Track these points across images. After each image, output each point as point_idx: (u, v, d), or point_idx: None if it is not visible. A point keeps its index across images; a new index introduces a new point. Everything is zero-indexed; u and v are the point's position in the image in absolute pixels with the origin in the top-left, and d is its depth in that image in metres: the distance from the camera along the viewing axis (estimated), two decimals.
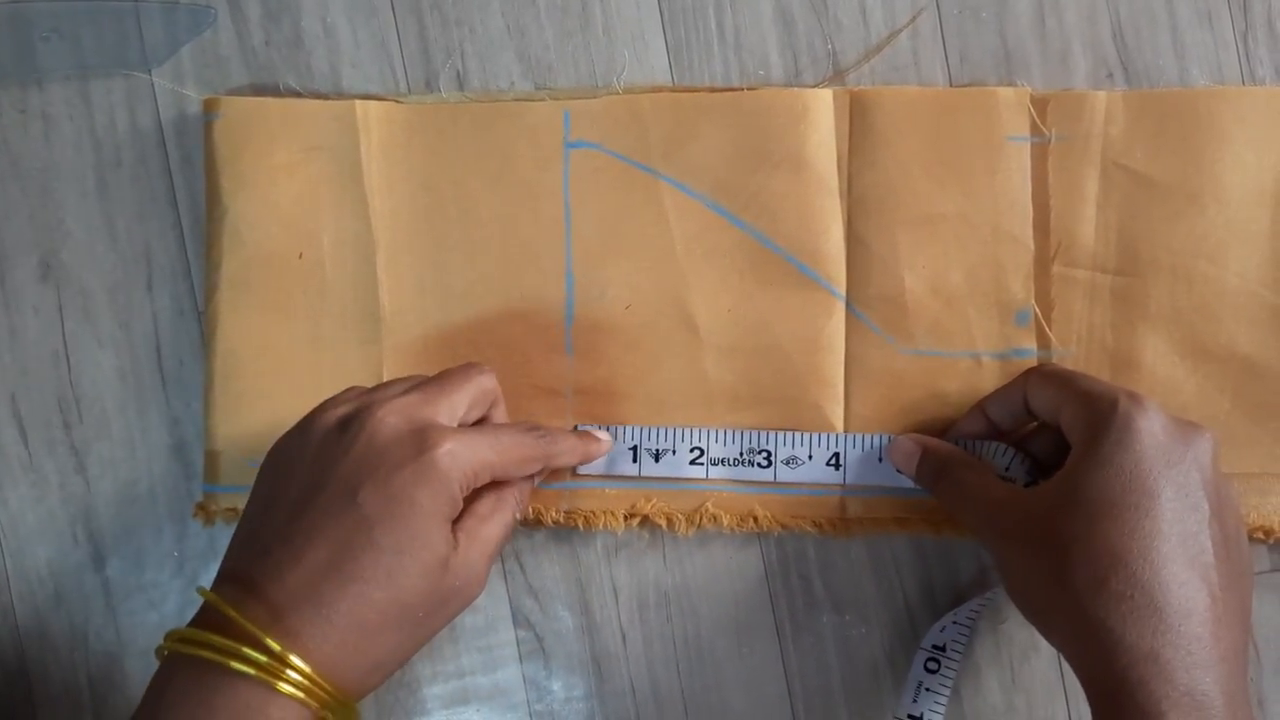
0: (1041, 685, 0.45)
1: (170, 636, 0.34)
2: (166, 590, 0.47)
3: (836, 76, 0.46)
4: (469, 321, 0.46)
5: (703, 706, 0.46)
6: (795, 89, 0.45)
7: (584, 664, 0.46)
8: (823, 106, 0.45)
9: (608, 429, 0.44)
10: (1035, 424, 0.42)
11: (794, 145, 0.44)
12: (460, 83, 0.47)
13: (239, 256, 0.45)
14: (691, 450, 0.44)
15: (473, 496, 0.38)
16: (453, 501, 0.35)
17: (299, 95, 0.46)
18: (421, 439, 0.35)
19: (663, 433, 0.44)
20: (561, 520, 0.45)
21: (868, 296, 0.44)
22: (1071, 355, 0.44)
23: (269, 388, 0.45)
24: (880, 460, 0.44)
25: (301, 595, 0.33)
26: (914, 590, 0.45)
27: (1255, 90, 0.45)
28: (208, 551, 0.47)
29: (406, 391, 0.37)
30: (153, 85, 0.47)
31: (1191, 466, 0.36)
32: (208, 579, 0.46)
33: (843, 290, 0.45)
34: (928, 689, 0.43)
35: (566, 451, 0.41)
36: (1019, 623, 0.45)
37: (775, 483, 0.44)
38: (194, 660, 0.33)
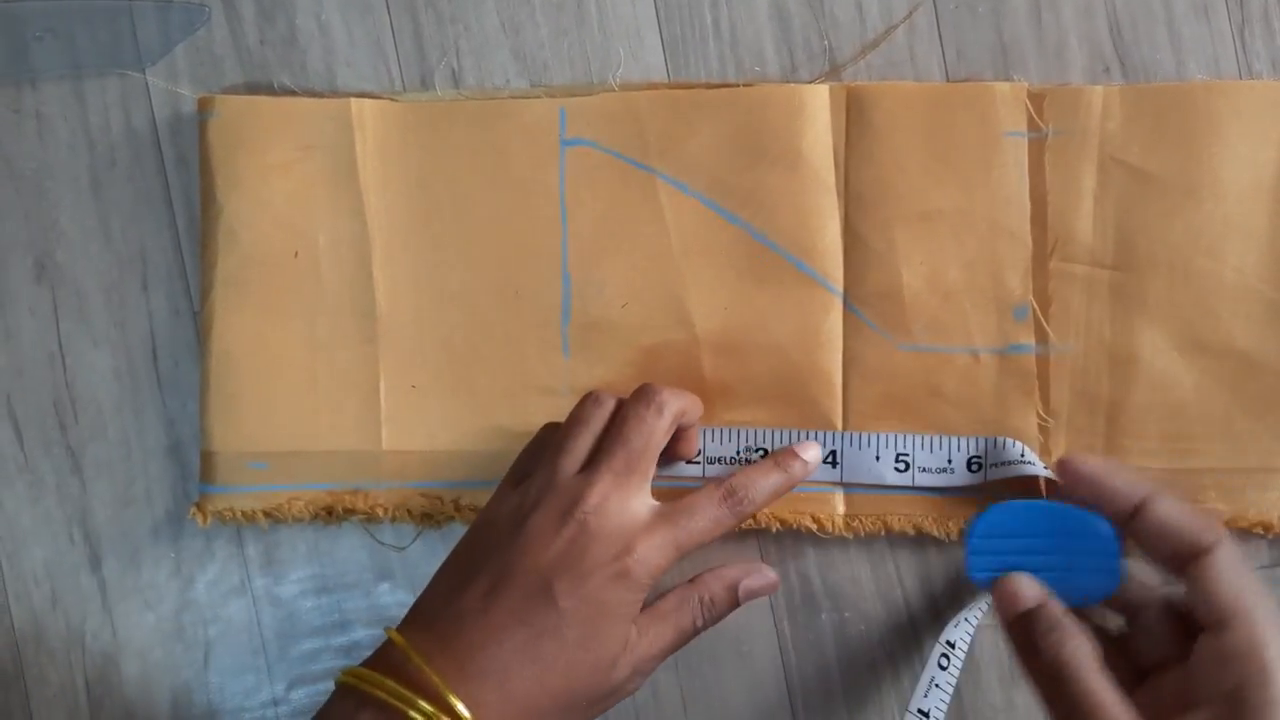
0: None
1: (353, 673, 0.36)
2: (163, 591, 0.47)
3: (833, 72, 0.46)
4: (465, 320, 0.45)
5: (702, 704, 0.46)
6: (791, 85, 0.45)
7: None
8: (819, 102, 0.44)
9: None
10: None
11: (790, 142, 0.44)
12: (455, 80, 0.47)
13: (234, 256, 0.45)
14: None
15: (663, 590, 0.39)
16: (636, 604, 0.37)
17: (294, 94, 0.46)
18: (619, 544, 0.37)
19: None
20: None
21: (865, 293, 0.44)
22: (1070, 351, 0.44)
23: (265, 388, 0.45)
24: (878, 459, 0.44)
25: (490, 671, 0.35)
26: (913, 587, 0.45)
27: (1252, 84, 0.45)
28: (204, 552, 0.47)
29: (600, 472, 0.38)
30: (147, 84, 0.47)
31: None
32: (204, 580, 0.46)
33: (840, 287, 0.44)
34: (937, 685, 0.43)
35: (765, 501, 0.41)
36: None
37: None
38: (374, 700, 0.35)
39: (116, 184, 0.47)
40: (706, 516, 0.39)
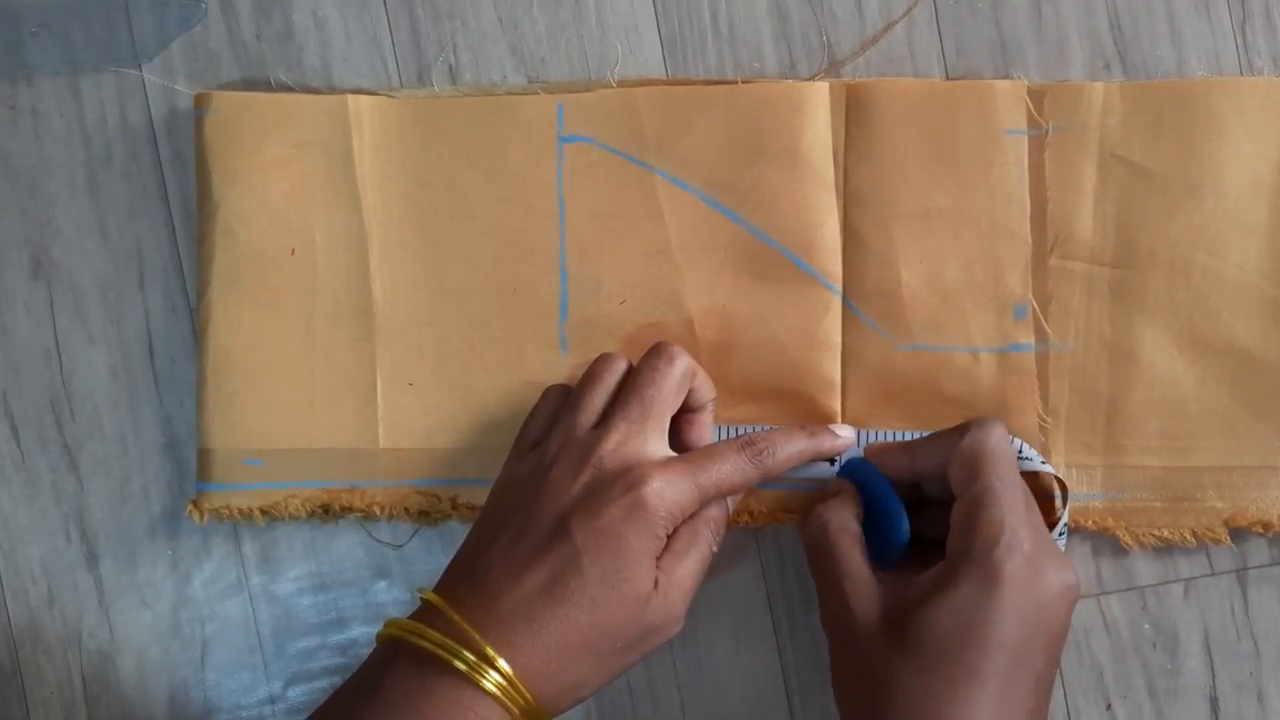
0: None
1: (393, 624, 0.37)
2: (160, 589, 0.47)
3: (832, 69, 0.45)
4: (463, 317, 0.45)
5: (699, 703, 0.45)
6: (790, 82, 0.45)
7: None
8: (818, 99, 0.44)
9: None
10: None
11: (789, 139, 0.44)
12: (453, 76, 0.46)
13: (230, 253, 0.45)
14: None
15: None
16: (657, 539, 0.37)
17: (290, 90, 0.46)
18: (633, 478, 0.37)
19: None
20: None
21: (864, 291, 0.44)
22: (1069, 349, 0.44)
23: (261, 385, 0.45)
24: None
25: (517, 611, 0.36)
26: None
27: (1253, 81, 0.44)
28: (201, 550, 0.46)
29: (614, 421, 0.39)
30: (143, 81, 0.47)
31: (1042, 630, 0.36)
32: (201, 577, 0.46)
33: (839, 285, 0.44)
34: None
35: (788, 461, 0.41)
36: None
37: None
38: (414, 649, 0.36)
39: (112, 180, 0.47)
40: (727, 463, 0.39)
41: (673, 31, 0.46)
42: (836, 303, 0.44)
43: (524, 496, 0.39)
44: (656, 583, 0.37)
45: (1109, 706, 0.45)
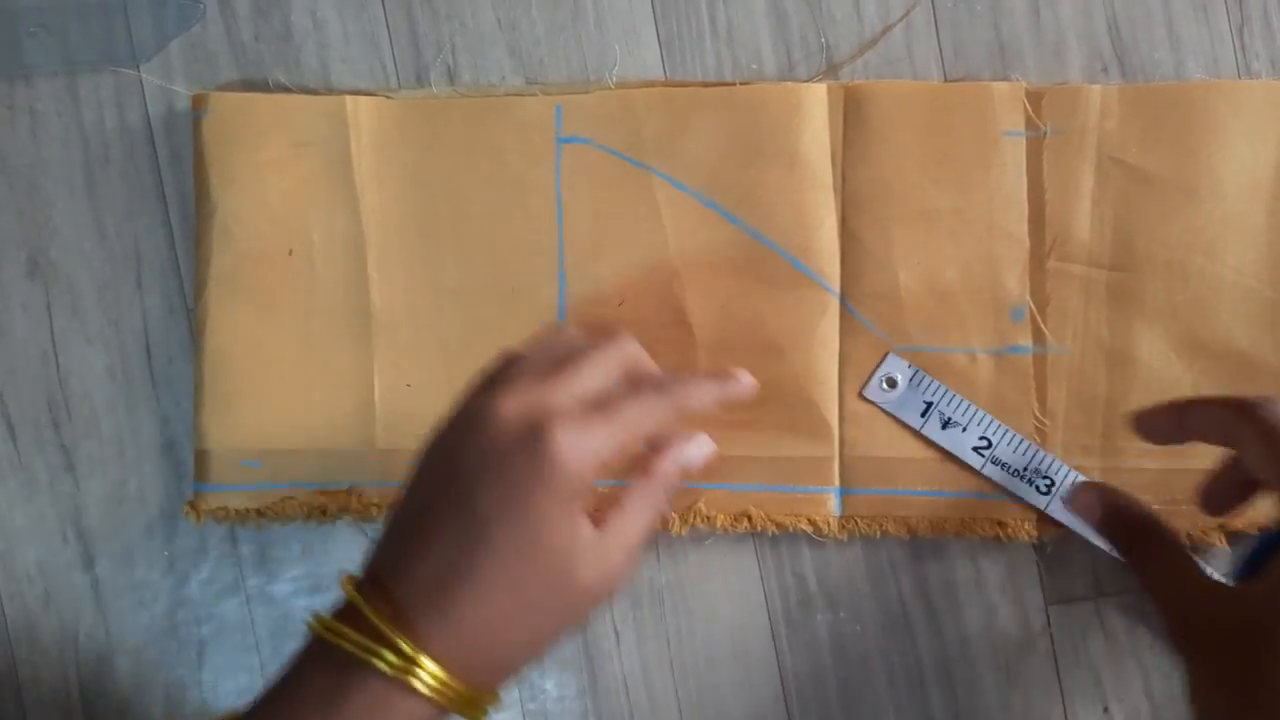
0: (1039, 683, 0.45)
1: (319, 619, 0.34)
2: (157, 590, 0.46)
3: (830, 70, 0.46)
4: (461, 318, 0.45)
5: (697, 705, 0.45)
6: (788, 83, 0.45)
7: (577, 662, 0.46)
8: (816, 101, 0.44)
9: None
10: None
11: (787, 140, 0.44)
12: (451, 77, 0.46)
13: (228, 254, 0.45)
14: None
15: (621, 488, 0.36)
16: (574, 495, 0.33)
17: (288, 91, 0.46)
18: (535, 431, 0.33)
19: None
20: None
21: (862, 293, 0.44)
22: (1067, 351, 0.44)
23: (259, 386, 0.45)
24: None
25: (426, 594, 0.33)
26: (909, 587, 0.45)
27: (1251, 84, 0.44)
28: (198, 551, 0.46)
29: (529, 373, 0.35)
30: (141, 81, 0.47)
31: None
32: (198, 578, 0.46)
33: (837, 286, 0.44)
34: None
35: (700, 395, 0.38)
36: (1015, 620, 0.45)
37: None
38: (335, 647, 0.33)
39: (110, 181, 0.47)
40: (632, 402, 0.35)
41: (671, 33, 0.46)
42: (834, 304, 0.44)
43: (435, 448, 0.36)
44: (577, 539, 0.34)
45: (1106, 709, 0.45)
